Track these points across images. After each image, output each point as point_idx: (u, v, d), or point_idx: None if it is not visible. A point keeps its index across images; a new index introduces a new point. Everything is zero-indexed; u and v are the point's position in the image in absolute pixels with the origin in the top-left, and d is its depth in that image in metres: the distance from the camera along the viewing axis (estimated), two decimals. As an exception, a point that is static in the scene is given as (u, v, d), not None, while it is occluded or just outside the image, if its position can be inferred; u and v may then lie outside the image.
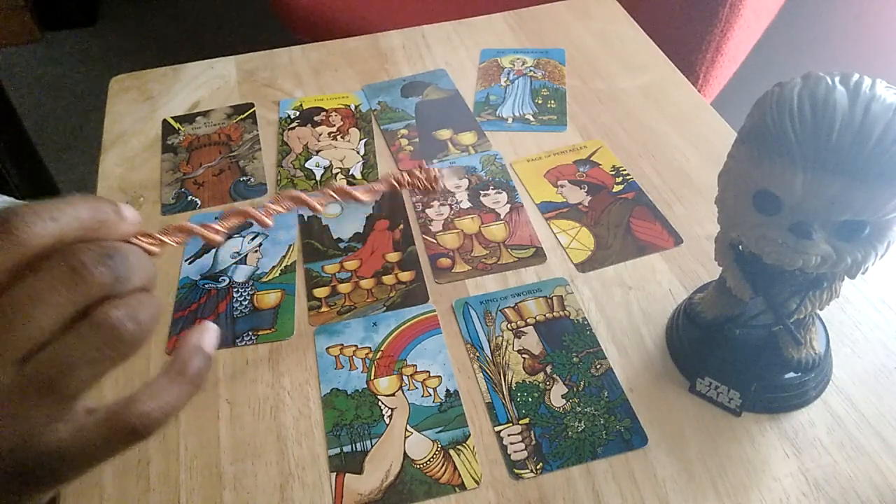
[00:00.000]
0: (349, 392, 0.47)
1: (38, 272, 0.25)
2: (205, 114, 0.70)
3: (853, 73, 0.32)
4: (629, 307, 0.51)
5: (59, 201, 0.26)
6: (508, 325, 0.50)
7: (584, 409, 0.45)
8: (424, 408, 0.46)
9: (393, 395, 0.47)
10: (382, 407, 0.46)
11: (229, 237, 0.57)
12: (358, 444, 0.44)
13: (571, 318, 0.51)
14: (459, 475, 0.42)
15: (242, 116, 0.70)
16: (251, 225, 0.58)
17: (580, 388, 0.46)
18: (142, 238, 0.30)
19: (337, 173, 0.63)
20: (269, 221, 0.36)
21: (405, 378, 0.47)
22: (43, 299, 0.25)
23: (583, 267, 0.54)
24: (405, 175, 0.44)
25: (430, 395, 0.46)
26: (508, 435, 0.44)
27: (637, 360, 0.48)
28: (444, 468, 0.43)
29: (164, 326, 0.51)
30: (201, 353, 0.31)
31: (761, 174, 0.35)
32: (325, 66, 0.76)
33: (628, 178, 0.61)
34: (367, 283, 0.54)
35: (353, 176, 0.63)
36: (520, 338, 0.49)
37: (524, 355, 0.48)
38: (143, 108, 0.71)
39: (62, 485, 0.29)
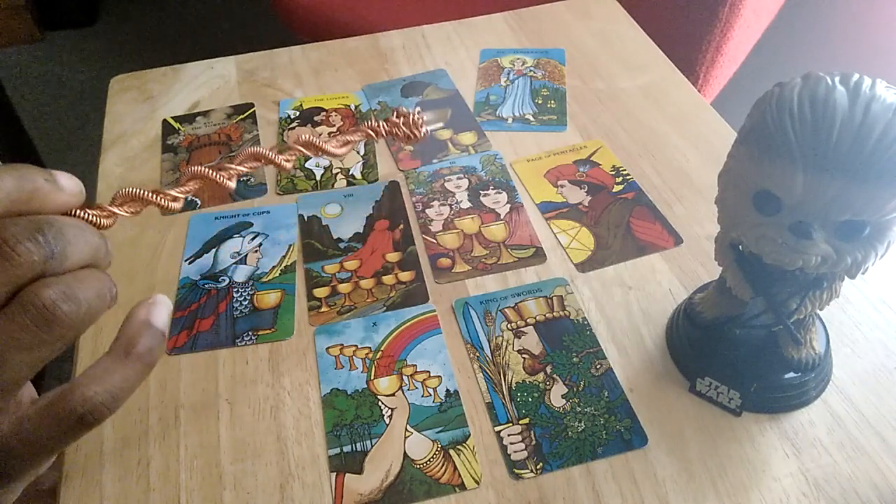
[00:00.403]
0: (349, 392, 0.47)
1: None
2: (205, 114, 0.70)
3: (853, 73, 0.32)
4: (629, 307, 0.51)
5: None
6: (508, 325, 0.50)
7: (584, 409, 0.45)
8: (424, 408, 0.46)
9: (393, 395, 0.47)
10: (382, 407, 0.46)
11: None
12: (358, 444, 0.44)
13: (571, 318, 0.51)
14: (459, 475, 0.42)
15: (242, 116, 0.70)
16: (240, 223, 0.58)
17: (580, 388, 0.46)
18: (89, 210, 0.27)
19: (337, 173, 0.63)
20: (231, 184, 0.33)
21: (405, 378, 0.47)
22: None
23: (583, 267, 0.54)
24: (381, 124, 0.40)
25: (430, 395, 0.46)
26: (508, 435, 0.44)
27: (637, 360, 0.48)
28: (444, 468, 0.43)
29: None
30: (150, 329, 0.28)
31: (761, 174, 0.35)
32: (325, 66, 0.76)
33: (628, 178, 0.61)
34: (367, 283, 0.54)
35: (353, 176, 0.63)
36: (520, 338, 0.49)
37: (524, 355, 0.48)
38: (143, 108, 0.71)
39: (15, 481, 0.27)
